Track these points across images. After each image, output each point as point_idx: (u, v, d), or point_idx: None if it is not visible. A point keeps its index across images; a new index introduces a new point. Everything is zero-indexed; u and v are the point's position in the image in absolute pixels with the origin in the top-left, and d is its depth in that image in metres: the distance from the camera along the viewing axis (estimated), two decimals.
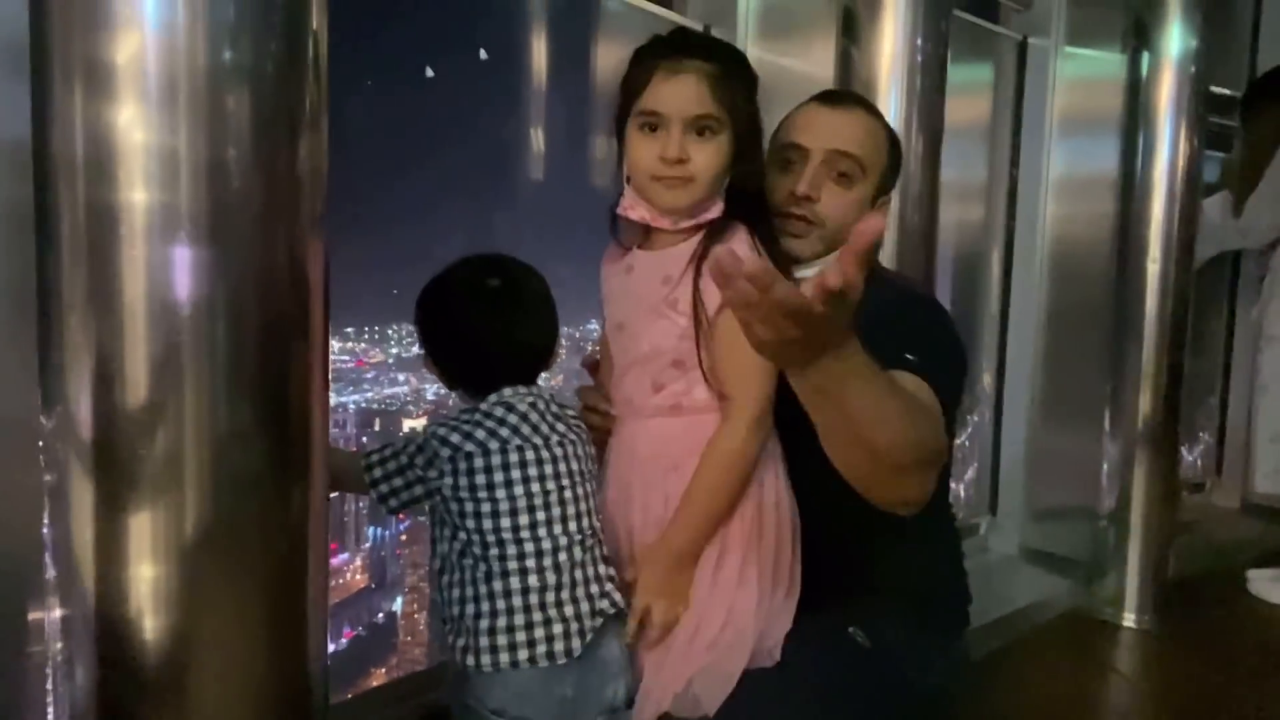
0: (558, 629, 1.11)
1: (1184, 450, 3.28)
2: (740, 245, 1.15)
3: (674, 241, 1.19)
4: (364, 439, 2.01)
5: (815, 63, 1.91)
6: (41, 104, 0.83)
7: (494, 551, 1.12)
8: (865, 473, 1.00)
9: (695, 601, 1.17)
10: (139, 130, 0.80)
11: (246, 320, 0.86)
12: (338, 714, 1.30)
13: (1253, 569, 2.86)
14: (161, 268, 0.82)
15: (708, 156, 1.14)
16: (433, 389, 2.05)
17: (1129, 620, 2.56)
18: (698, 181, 1.15)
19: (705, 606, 1.17)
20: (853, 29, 1.85)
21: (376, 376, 2.04)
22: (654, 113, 1.14)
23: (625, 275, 1.24)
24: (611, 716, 1.15)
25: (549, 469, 1.16)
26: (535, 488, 1.14)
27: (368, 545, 2.14)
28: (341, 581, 2.06)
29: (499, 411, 1.16)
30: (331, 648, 1.05)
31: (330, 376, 0.98)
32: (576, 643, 1.12)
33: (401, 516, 2.03)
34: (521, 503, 1.13)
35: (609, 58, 2.06)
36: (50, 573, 0.87)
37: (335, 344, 1.88)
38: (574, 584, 1.14)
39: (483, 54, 2.00)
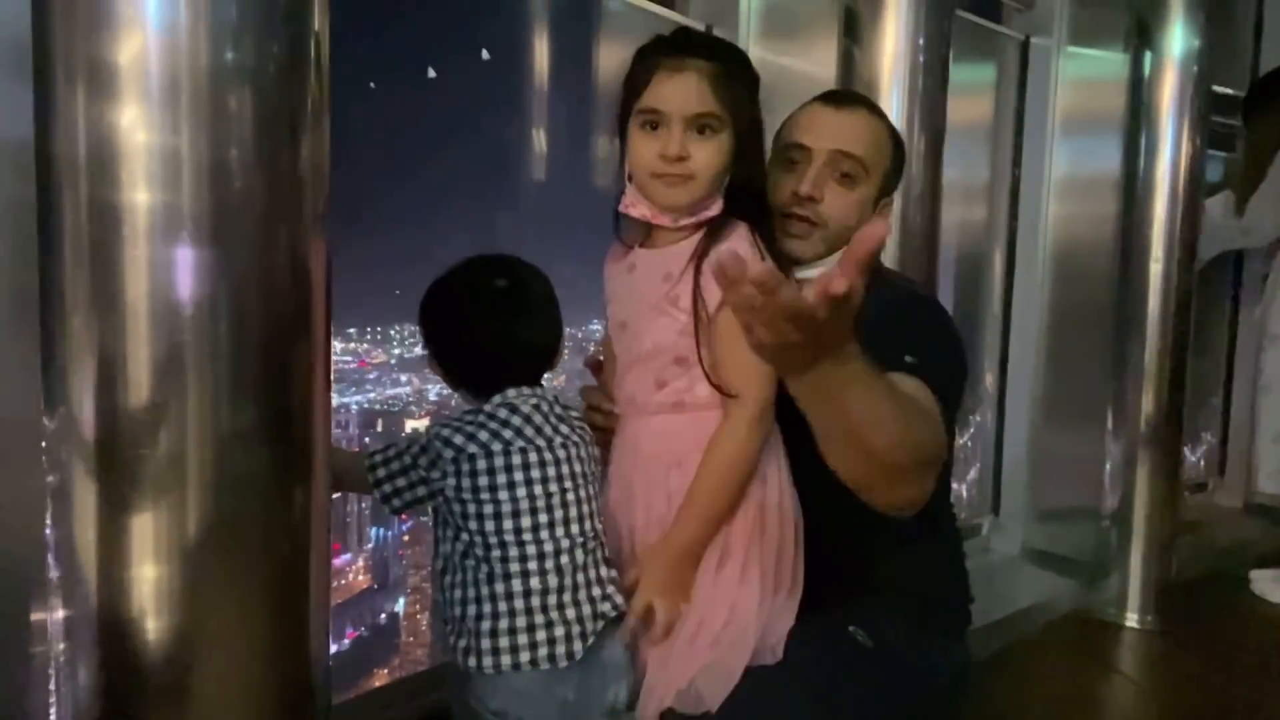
0: (559, 631, 1.11)
1: (1187, 450, 3.27)
2: (741, 244, 1.16)
3: (675, 239, 1.19)
4: (366, 440, 2.00)
5: (817, 62, 1.91)
6: (44, 104, 0.83)
7: (496, 553, 1.12)
8: (862, 475, 1.00)
9: (698, 599, 1.17)
10: (141, 130, 0.80)
11: (249, 320, 0.86)
12: (340, 714, 1.30)
13: (1255, 569, 2.86)
14: (164, 268, 0.82)
15: (708, 155, 1.14)
16: (435, 390, 2.05)
17: (1131, 620, 2.56)
18: (698, 179, 1.15)
19: (708, 604, 1.17)
20: (855, 29, 1.85)
21: (379, 377, 2.04)
22: (655, 111, 1.14)
23: (628, 274, 1.24)
24: (613, 719, 1.15)
25: (551, 471, 1.15)
26: (538, 490, 1.14)
27: (370, 546, 2.13)
28: (344, 582, 2.05)
29: (502, 413, 1.16)
30: (334, 648, 1.05)
31: (333, 377, 0.98)
32: (578, 645, 1.11)
33: (404, 517, 2.03)
34: (524, 505, 1.13)
35: (611, 58, 2.06)
36: (53, 573, 0.87)
37: (338, 344, 1.88)
38: (576, 586, 1.14)
39: (485, 54, 2.00)
